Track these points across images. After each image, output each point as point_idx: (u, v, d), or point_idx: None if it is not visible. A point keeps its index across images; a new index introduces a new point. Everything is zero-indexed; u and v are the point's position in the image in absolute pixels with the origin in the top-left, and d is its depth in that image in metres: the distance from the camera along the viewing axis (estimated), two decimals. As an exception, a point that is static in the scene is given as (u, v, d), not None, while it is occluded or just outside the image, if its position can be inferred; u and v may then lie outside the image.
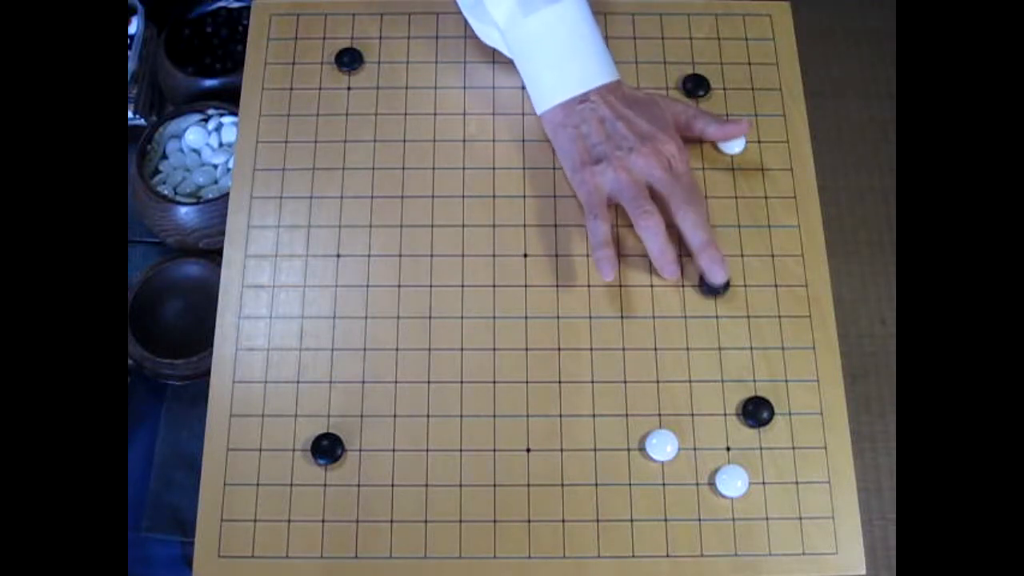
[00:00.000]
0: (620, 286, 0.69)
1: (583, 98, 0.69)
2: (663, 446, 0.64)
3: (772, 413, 0.65)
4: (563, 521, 0.63)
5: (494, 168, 0.73)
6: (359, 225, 0.71)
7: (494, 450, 0.65)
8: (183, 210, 0.75)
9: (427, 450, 0.65)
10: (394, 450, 0.65)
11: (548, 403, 0.66)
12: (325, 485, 0.64)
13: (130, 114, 0.83)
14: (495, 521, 0.63)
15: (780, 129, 0.74)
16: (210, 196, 0.77)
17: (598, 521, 0.63)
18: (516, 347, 0.67)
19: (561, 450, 0.65)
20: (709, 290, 0.68)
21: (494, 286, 0.69)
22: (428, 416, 0.65)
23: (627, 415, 0.65)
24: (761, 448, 0.65)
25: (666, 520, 0.63)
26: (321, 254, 0.70)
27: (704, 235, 0.67)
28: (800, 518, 0.63)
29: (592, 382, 0.66)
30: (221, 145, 0.81)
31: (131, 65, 0.81)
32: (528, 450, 0.65)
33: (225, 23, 0.87)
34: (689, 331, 0.68)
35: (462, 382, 0.66)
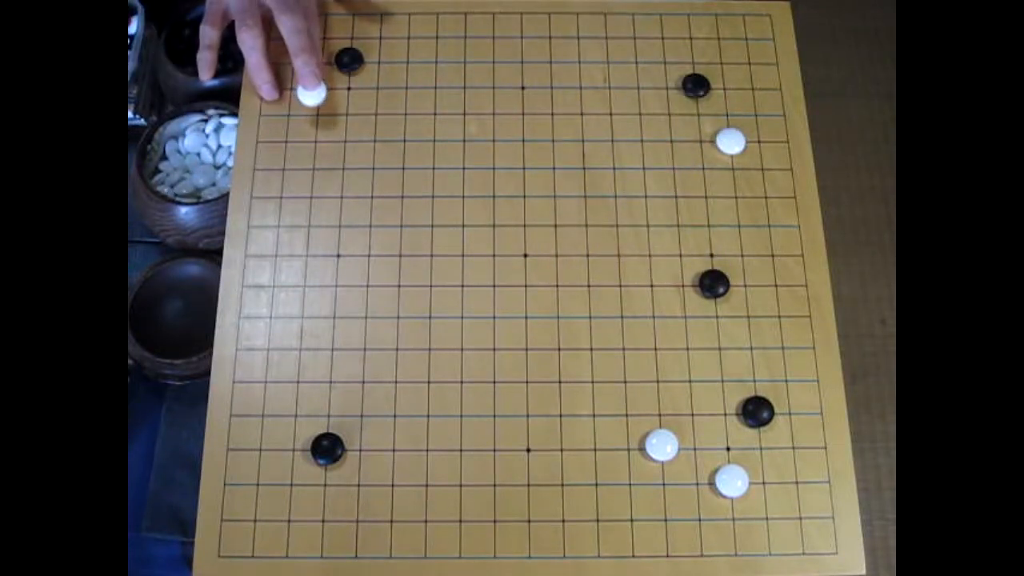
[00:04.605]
0: (620, 286, 0.69)
1: None
2: (663, 446, 0.64)
3: (772, 413, 0.65)
4: (563, 521, 0.63)
5: (494, 168, 0.72)
6: (359, 225, 0.71)
7: (494, 450, 0.65)
8: (183, 210, 0.75)
9: (427, 450, 0.65)
10: (394, 450, 0.65)
11: (548, 403, 0.66)
12: (325, 485, 0.64)
13: (130, 114, 0.83)
14: (495, 521, 0.63)
15: (780, 129, 0.74)
16: (210, 196, 0.77)
17: (598, 521, 0.63)
18: (516, 347, 0.67)
19: (561, 450, 0.65)
20: (709, 290, 0.68)
21: (494, 286, 0.69)
22: (428, 416, 0.65)
23: (627, 415, 0.65)
24: (761, 448, 0.65)
25: (666, 520, 0.63)
26: (321, 254, 0.70)
27: (299, 41, 0.72)
28: (800, 518, 0.63)
29: (592, 382, 0.66)
30: (220, 146, 0.81)
31: (131, 65, 0.81)
32: (528, 450, 0.65)
33: (225, 23, 0.86)
34: (689, 331, 0.68)
35: (462, 382, 0.66)
